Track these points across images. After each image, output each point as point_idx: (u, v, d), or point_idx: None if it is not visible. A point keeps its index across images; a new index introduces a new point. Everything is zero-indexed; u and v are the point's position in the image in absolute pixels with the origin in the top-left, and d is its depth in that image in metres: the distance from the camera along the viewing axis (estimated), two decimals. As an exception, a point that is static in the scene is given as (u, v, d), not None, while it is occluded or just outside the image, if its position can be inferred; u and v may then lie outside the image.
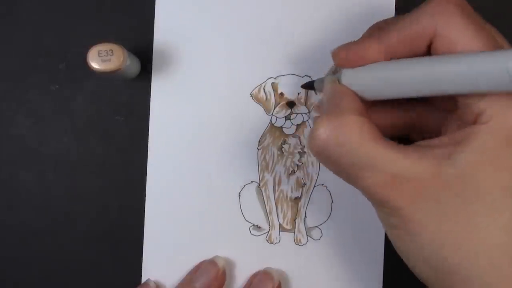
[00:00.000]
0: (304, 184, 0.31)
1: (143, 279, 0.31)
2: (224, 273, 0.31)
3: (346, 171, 0.22)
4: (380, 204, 0.22)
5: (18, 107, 0.32)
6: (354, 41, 0.23)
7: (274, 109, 0.31)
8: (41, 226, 0.32)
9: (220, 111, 0.31)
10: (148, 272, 0.31)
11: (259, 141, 0.31)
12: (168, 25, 0.31)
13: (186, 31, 0.31)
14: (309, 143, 0.22)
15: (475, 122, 0.20)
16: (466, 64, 0.19)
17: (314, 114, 0.31)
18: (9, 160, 0.32)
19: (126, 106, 0.32)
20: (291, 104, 0.31)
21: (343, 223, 0.31)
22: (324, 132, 0.21)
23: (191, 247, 0.31)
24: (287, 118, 0.31)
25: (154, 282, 0.31)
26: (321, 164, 0.31)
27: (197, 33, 0.31)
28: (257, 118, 0.31)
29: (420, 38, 0.21)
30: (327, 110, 0.23)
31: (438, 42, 0.21)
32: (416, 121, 0.25)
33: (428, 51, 0.22)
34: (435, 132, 0.24)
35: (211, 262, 0.30)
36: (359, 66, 0.23)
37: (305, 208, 0.31)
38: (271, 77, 0.31)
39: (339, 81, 0.24)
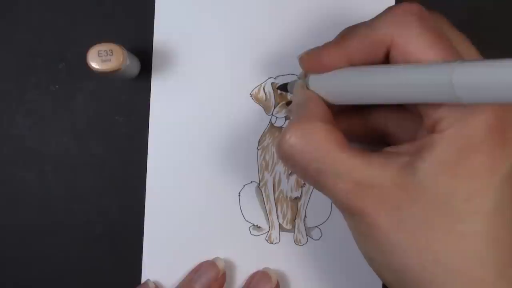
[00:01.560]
0: (304, 184, 0.31)
1: (143, 279, 0.31)
2: (224, 274, 0.31)
3: (313, 178, 0.22)
4: (346, 211, 0.22)
5: (18, 107, 0.32)
6: (318, 46, 0.24)
7: (274, 109, 0.31)
8: (41, 226, 0.32)
9: (220, 111, 0.31)
10: (148, 272, 0.31)
11: (259, 141, 0.31)
12: (168, 25, 0.31)
13: (186, 31, 0.31)
14: (276, 148, 0.23)
15: (433, 130, 0.20)
16: (415, 74, 0.19)
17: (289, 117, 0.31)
18: (9, 160, 0.32)
19: (126, 106, 0.32)
20: (291, 104, 0.31)
21: (343, 223, 0.31)
22: (291, 138, 0.22)
23: (190, 247, 0.31)
24: (287, 118, 0.31)
25: (154, 283, 0.31)
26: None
27: (197, 33, 0.31)
28: (257, 118, 0.31)
29: (378, 46, 0.21)
30: (294, 116, 0.23)
31: (394, 51, 0.21)
32: (391, 128, 0.25)
33: (387, 59, 0.22)
34: (410, 139, 0.24)
35: (211, 263, 0.30)
36: (323, 71, 0.23)
37: (305, 208, 0.31)
38: (271, 77, 0.31)
39: (307, 86, 0.24)
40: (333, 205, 0.31)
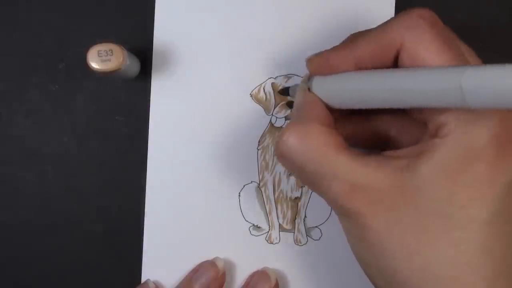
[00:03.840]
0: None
1: (143, 279, 0.31)
2: (224, 274, 0.31)
3: (309, 179, 0.22)
4: (340, 212, 0.22)
5: (18, 107, 0.32)
6: (327, 49, 0.24)
7: (274, 109, 0.31)
8: (41, 226, 0.32)
9: (220, 111, 0.31)
10: (148, 272, 0.31)
11: (259, 141, 0.31)
12: (168, 25, 0.31)
13: (186, 31, 0.31)
14: (275, 148, 0.23)
15: (435, 135, 0.20)
16: (424, 78, 0.19)
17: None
18: (9, 160, 0.32)
19: (126, 106, 0.32)
20: (291, 104, 0.31)
21: (343, 223, 0.31)
22: (289, 139, 0.22)
23: (190, 247, 0.31)
24: (287, 118, 0.31)
25: (154, 283, 0.31)
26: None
27: (197, 33, 0.31)
28: (257, 118, 0.31)
29: (388, 50, 0.21)
30: (295, 118, 0.23)
31: (404, 55, 0.21)
32: (393, 133, 0.25)
33: (395, 64, 0.22)
34: (412, 145, 0.24)
35: (211, 263, 0.30)
36: (329, 74, 0.23)
37: (305, 208, 0.31)
38: (271, 77, 0.31)
39: (309, 88, 0.24)
40: (333, 205, 0.31)
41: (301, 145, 0.22)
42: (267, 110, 0.31)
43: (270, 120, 0.31)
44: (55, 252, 0.32)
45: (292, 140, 0.22)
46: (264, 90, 0.31)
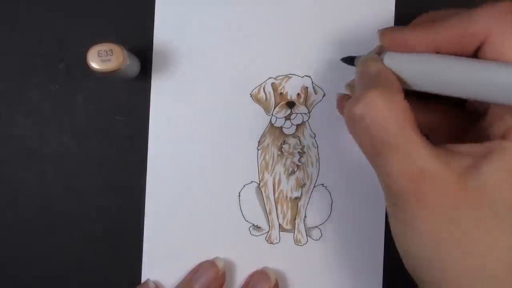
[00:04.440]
0: (304, 184, 0.31)
1: (143, 279, 0.31)
2: (224, 274, 0.31)
3: (376, 148, 0.21)
4: (396, 194, 0.21)
5: (18, 107, 0.32)
6: (404, 26, 0.23)
7: (274, 109, 0.31)
8: (41, 226, 0.32)
9: (220, 111, 0.31)
10: (148, 272, 0.31)
11: (259, 141, 0.31)
12: (168, 25, 0.31)
13: (186, 31, 0.31)
14: (348, 109, 0.22)
15: (504, 136, 0.20)
16: (508, 75, 0.19)
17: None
18: (9, 160, 0.32)
19: (126, 106, 0.32)
20: (291, 104, 0.31)
21: (343, 223, 0.31)
22: (369, 102, 0.21)
23: (190, 247, 0.31)
24: (287, 118, 0.31)
25: (154, 282, 0.31)
26: (320, 163, 0.31)
27: (197, 33, 0.31)
28: (257, 118, 0.31)
29: (471, 39, 0.21)
30: (375, 84, 0.22)
31: (488, 47, 0.21)
32: (440, 121, 0.25)
33: (475, 54, 0.21)
34: (457, 136, 0.24)
35: (211, 263, 0.30)
36: (405, 51, 0.23)
37: (305, 208, 0.31)
38: (271, 77, 0.31)
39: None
40: (333, 205, 0.31)
41: (382, 111, 0.21)
42: (267, 110, 0.31)
43: (270, 120, 0.31)
44: (55, 252, 0.32)
45: (375, 104, 0.21)
46: (264, 90, 0.31)
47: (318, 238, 0.31)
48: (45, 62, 0.32)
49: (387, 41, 0.23)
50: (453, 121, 0.25)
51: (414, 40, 0.22)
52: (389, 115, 0.21)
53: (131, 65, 0.29)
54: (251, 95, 0.31)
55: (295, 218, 0.31)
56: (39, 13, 0.32)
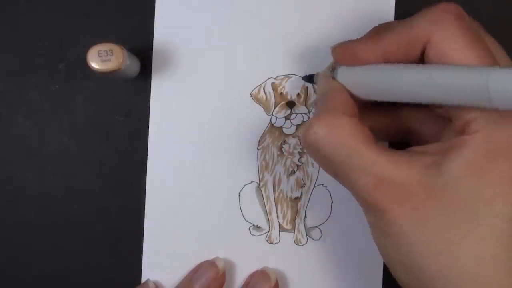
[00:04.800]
0: (304, 184, 0.31)
1: (143, 279, 0.31)
2: (224, 274, 0.31)
3: (336, 170, 0.22)
4: (367, 206, 0.22)
5: (18, 107, 0.32)
6: (354, 39, 0.24)
7: (274, 109, 0.31)
8: (41, 226, 0.32)
9: (220, 111, 0.31)
10: (148, 272, 0.31)
11: (259, 141, 0.31)
12: (168, 25, 0.31)
13: (186, 31, 0.31)
14: (303, 138, 0.23)
15: (462, 132, 0.20)
16: (451, 77, 0.19)
17: (313, 109, 0.31)
18: (9, 160, 0.32)
19: (126, 106, 0.32)
20: (291, 104, 0.31)
21: (343, 223, 0.31)
22: (316, 131, 0.22)
23: (190, 247, 0.31)
24: (287, 118, 0.31)
25: (154, 282, 0.31)
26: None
27: (197, 33, 0.31)
28: (257, 118, 0.31)
29: (414, 44, 0.21)
30: (321, 107, 0.23)
31: (430, 51, 0.21)
32: (415, 126, 0.25)
33: (422, 59, 0.22)
34: (434, 139, 0.24)
35: (211, 263, 0.30)
36: (355, 65, 0.23)
37: (305, 208, 0.31)
38: (271, 77, 0.31)
39: (333, 77, 0.24)
40: (333, 205, 0.31)
41: (330, 137, 0.22)
42: (267, 110, 0.31)
43: (270, 120, 0.31)
44: (55, 252, 0.32)
45: (321, 133, 0.22)
46: (264, 90, 0.31)
47: (318, 238, 0.31)
48: (45, 62, 0.32)
49: (338, 56, 0.24)
50: (429, 124, 0.25)
51: (363, 51, 0.23)
52: (335, 139, 0.22)
53: (131, 65, 0.29)
54: (251, 95, 0.31)
55: (295, 218, 0.31)
56: (39, 13, 0.32)
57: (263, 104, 0.31)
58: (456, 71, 0.19)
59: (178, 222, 0.31)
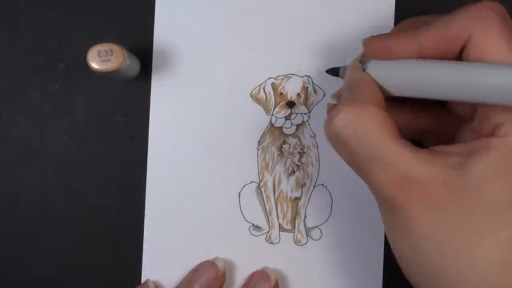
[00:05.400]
0: (304, 184, 0.31)
1: (143, 279, 0.31)
2: (224, 274, 0.31)
3: (358, 162, 0.22)
4: (385, 202, 0.22)
5: (18, 107, 0.32)
6: (387, 34, 0.23)
7: (274, 109, 0.31)
8: (41, 226, 0.32)
9: (220, 111, 0.31)
10: (148, 272, 0.31)
11: (259, 141, 0.31)
12: (168, 25, 0.31)
13: (186, 31, 0.31)
14: (326, 127, 0.22)
15: (491, 134, 0.20)
16: (492, 75, 0.19)
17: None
18: (9, 160, 0.32)
19: (126, 106, 0.32)
20: (291, 104, 0.31)
21: (343, 223, 0.31)
22: (343, 119, 0.21)
23: (190, 247, 0.31)
24: (287, 118, 0.31)
25: (154, 282, 0.31)
26: (320, 163, 0.31)
27: (197, 33, 0.31)
28: (257, 118, 0.31)
29: (454, 42, 0.21)
30: (348, 97, 0.22)
31: (471, 48, 0.20)
32: (430, 125, 0.25)
33: (460, 56, 0.21)
34: (448, 139, 0.24)
35: (211, 263, 0.30)
36: (389, 59, 0.23)
37: (305, 208, 0.31)
38: (271, 77, 0.31)
39: (364, 70, 0.24)
40: (333, 205, 0.31)
41: (355, 127, 0.21)
42: (267, 110, 0.31)
43: (270, 120, 0.31)
44: (55, 252, 0.32)
45: (347, 120, 0.21)
46: (264, 90, 0.31)
47: (318, 238, 0.31)
48: (45, 62, 0.32)
49: (371, 49, 0.23)
50: (444, 124, 0.25)
51: (398, 46, 0.22)
52: (363, 129, 0.21)
53: (131, 65, 0.29)
54: (251, 95, 0.31)
55: (295, 218, 0.31)
56: (39, 13, 0.32)
57: (263, 104, 0.31)
58: (496, 70, 0.19)
59: (178, 222, 0.31)
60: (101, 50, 0.27)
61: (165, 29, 0.31)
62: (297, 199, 0.32)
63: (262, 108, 0.31)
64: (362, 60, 0.24)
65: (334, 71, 0.28)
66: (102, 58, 0.27)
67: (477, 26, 0.20)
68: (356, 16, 0.31)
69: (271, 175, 0.31)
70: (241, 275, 0.31)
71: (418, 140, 0.26)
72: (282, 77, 0.31)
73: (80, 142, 0.32)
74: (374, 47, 0.23)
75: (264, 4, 0.31)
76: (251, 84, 0.31)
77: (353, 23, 0.31)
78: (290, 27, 0.31)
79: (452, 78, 0.20)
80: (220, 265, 0.30)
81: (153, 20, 0.31)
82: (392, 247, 0.23)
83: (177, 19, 0.31)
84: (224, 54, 0.31)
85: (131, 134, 0.32)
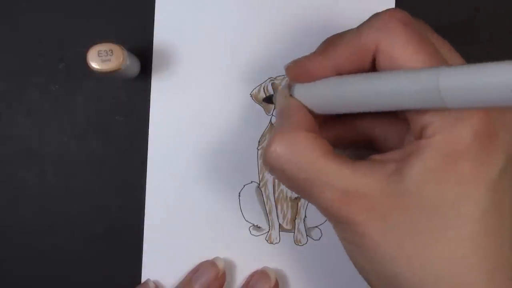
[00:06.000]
0: (304, 184, 0.31)
1: (143, 279, 0.31)
2: (224, 274, 0.31)
3: (300, 187, 0.22)
4: (336, 220, 0.22)
5: (18, 107, 0.32)
6: (305, 56, 0.23)
7: (274, 109, 0.31)
8: (41, 226, 0.32)
9: (220, 111, 0.31)
10: (148, 272, 0.31)
11: (259, 141, 0.31)
12: (168, 25, 0.31)
13: (186, 31, 0.31)
14: (263, 159, 0.23)
15: (420, 136, 0.20)
16: (402, 81, 0.19)
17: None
18: (9, 160, 0.32)
19: (126, 106, 0.32)
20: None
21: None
22: (276, 149, 0.22)
23: (190, 247, 0.31)
24: (287, 118, 0.31)
25: (154, 282, 0.31)
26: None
27: (197, 33, 0.31)
28: (257, 118, 0.31)
29: (364, 53, 0.21)
30: (279, 125, 0.23)
31: (380, 58, 0.21)
32: (380, 132, 0.25)
33: (374, 67, 0.22)
34: (398, 145, 0.24)
35: (211, 263, 0.30)
36: (308, 81, 0.23)
37: (305, 208, 0.31)
38: (271, 77, 0.31)
39: (291, 95, 0.24)
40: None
41: (289, 154, 0.21)
42: (267, 110, 0.31)
43: (270, 120, 0.31)
44: (55, 252, 0.32)
45: (280, 150, 0.22)
46: (264, 90, 0.31)
47: (318, 238, 0.31)
48: (45, 62, 0.32)
49: (292, 75, 0.24)
50: (395, 130, 0.25)
51: (315, 68, 0.22)
52: (295, 155, 0.21)
53: (131, 65, 0.29)
54: (251, 95, 0.31)
55: (295, 218, 0.32)
56: (39, 13, 0.32)
57: (263, 104, 0.31)
58: (405, 74, 0.19)
59: (178, 222, 0.31)
60: (101, 50, 0.27)
61: (165, 29, 0.31)
62: (297, 199, 0.32)
63: (262, 108, 0.31)
64: (290, 85, 0.25)
65: (268, 99, 0.29)
66: (102, 58, 0.27)
67: (383, 35, 0.20)
68: (357, 16, 0.31)
69: (271, 175, 0.31)
70: (241, 275, 0.31)
71: (376, 148, 0.26)
72: (282, 77, 0.31)
73: (80, 142, 0.32)
74: (294, 72, 0.23)
75: (264, 4, 0.31)
76: (251, 84, 0.31)
77: (353, 24, 0.31)
78: (290, 27, 0.31)
79: (365, 90, 0.20)
80: (220, 265, 0.30)
81: (153, 20, 0.31)
82: (351, 261, 0.23)
83: (177, 19, 0.31)
84: (224, 54, 0.31)
85: (131, 134, 0.32)
